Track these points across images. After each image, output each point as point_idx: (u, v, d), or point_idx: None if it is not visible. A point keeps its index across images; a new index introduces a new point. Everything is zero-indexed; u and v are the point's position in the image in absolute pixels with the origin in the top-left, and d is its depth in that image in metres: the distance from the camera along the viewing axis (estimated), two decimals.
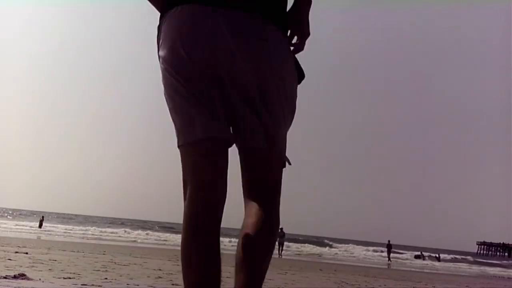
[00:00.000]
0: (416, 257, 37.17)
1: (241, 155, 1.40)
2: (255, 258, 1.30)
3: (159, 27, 1.34)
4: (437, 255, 38.40)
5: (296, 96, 1.43)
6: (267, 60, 1.30)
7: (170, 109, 1.34)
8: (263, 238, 1.32)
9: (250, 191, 1.39)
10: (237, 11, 1.27)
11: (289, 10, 1.44)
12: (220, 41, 1.26)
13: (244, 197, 1.41)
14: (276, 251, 23.44)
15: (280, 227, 21.46)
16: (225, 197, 1.32)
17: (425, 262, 33.18)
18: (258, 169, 1.39)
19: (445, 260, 37.28)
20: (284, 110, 1.37)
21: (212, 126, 1.27)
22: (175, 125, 1.34)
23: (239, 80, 1.29)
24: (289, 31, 1.44)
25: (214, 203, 1.29)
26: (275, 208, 1.39)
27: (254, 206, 1.36)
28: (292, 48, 1.45)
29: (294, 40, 1.48)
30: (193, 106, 1.27)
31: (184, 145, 1.31)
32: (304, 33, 1.48)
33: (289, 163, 1.49)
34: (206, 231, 1.26)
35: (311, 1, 1.48)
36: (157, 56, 1.36)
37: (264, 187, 1.39)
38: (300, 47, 1.48)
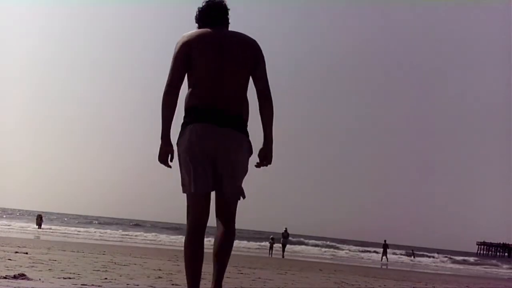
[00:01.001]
0: (408, 254, 37.28)
1: (216, 197, 2.71)
2: (223, 257, 2.63)
3: (183, 131, 2.67)
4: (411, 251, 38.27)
5: (248, 165, 2.75)
6: (236, 152, 2.65)
7: (181, 169, 2.69)
8: (227, 246, 2.65)
9: (219, 216, 2.70)
10: (224, 127, 2.62)
11: (261, 149, 2.79)
12: (215, 141, 2.60)
13: (216, 217, 2.70)
14: (274, 252, 23.44)
15: (285, 227, 21.05)
16: (208, 219, 2.70)
17: (417, 259, 33.28)
18: (225, 206, 2.70)
19: (451, 260, 37.33)
20: (241, 176, 2.72)
21: (205, 184, 2.62)
22: (183, 179, 2.68)
23: (223, 160, 2.63)
24: (262, 157, 2.80)
25: (204, 224, 2.69)
26: (233, 227, 2.70)
27: (221, 226, 2.67)
28: (260, 164, 2.82)
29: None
30: (198, 170, 2.62)
31: (189, 193, 2.67)
32: (269, 161, 2.81)
33: (244, 197, 2.74)
34: (200, 239, 2.67)
35: (272, 141, 2.79)
36: (177, 143, 2.69)
37: (226, 216, 2.70)
38: (267, 165, 2.83)
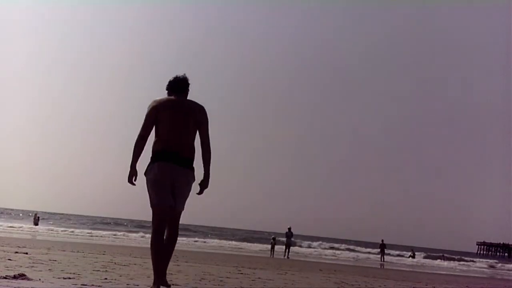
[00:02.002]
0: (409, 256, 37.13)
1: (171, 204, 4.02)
2: (170, 250, 4.09)
3: (148, 167, 4.04)
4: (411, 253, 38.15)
5: (191, 189, 4.09)
6: (186, 182, 4.04)
7: (149, 191, 4.04)
8: (172, 242, 4.09)
9: (170, 222, 4.05)
10: (178, 165, 3.96)
11: (201, 180, 4.15)
12: (172, 174, 3.96)
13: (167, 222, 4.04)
14: (279, 253, 23.30)
15: (288, 227, 20.72)
16: (166, 225, 4.04)
17: (415, 260, 33.18)
18: (175, 216, 4.06)
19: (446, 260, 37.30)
20: (187, 197, 4.11)
21: (169, 200, 3.98)
22: (151, 198, 4.04)
23: (177, 188, 4.00)
24: (201, 186, 4.18)
25: (164, 229, 4.02)
26: (177, 229, 4.11)
27: (170, 228, 4.06)
28: (200, 187, 4.18)
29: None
30: (161, 191, 3.97)
31: (155, 205, 4.00)
32: (206, 187, 4.19)
33: (183, 210, 4.13)
34: (161, 238, 4.00)
35: (209, 175, 4.13)
36: (144, 173, 4.03)
37: (175, 223, 4.08)
38: (203, 191, 4.19)
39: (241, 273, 7.20)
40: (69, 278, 4.47)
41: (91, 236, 28.99)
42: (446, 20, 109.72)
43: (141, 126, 4.07)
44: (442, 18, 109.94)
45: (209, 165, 4.17)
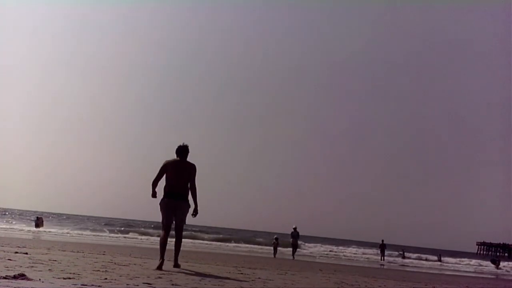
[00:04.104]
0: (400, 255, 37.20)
1: (174, 223, 6.89)
2: (178, 246, 7.02)
3: (161, 200, 6.88)
4: (401, 252, 38.15)
5: (187, 212, 6.90)
6: (183, 209, 6.85)
7: (161, 213, 6.89)
8: (178, 241, 7.00)
9: (176, 231, 6.96)
10: (178, 200, 6.81)
11: (193, 209, 6.91)
12: (174, 205, 6.82)
13: (174, 230, 6.95)
14: (286, 253, 23.21)
15: (294, 226, 20.44)
16: (169, 233, 6.91)
17: (406, 260, 33.18)
18: (178, 227, 6.93)
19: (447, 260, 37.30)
20: (185, 217, 6.92)
21: (170, 220, 6.87)
22: (161, 215, 6.90)
23: (178, 213, 6.85)
24: (193, 212, 6.93)
25: (167, 236, 6.86)
26: (181, 235, 7.01)
27: (176, 233, 6.97)
28: (193, 212, 6.94)
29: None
30: (166, 214, 6.85)
31: (163, 221, 6.89)
32: (197, 213, 6.94)
33: (185, 223, 6.98)
34: (166, 238, 6.85)
35: (197, 208, 6.92)
36: (159, 203, 6.89)
37: (178, 232, 6.96)
38: (195, 215, 6.97)
39: (241, 273, 7.21)
40: (69, 278, 4.47)
41: (91, 236, 28.97)
42: (446, 20, 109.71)
43: (157, 173, 6.87)
44: (442, 18, 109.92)
45: (196, 199, 6.92)
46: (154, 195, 6.88)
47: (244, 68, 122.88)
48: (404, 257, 35.78)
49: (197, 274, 6.43)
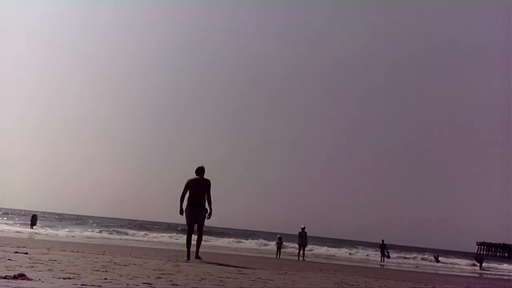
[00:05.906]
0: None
1: (197, 225, 9.78)
2: (199, 242, 9.89)
3: (186, 208, 9.64)
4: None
5: (206, 216, 9.69)
6: (202, 215, 9.62)
7: (186, 218, 9.67)
8: (199, 237, 9.86)
9: (198, 229, 9.79)
10: (198, 208, 9.58)
11: (208, 213, 9.67)
12: (195, 212, 9.58)
13: (197, 230, 9.86)
14: (291, 254, 23.20)
15: (302, 226, 20.42)
16: (193, 232, 9.91)
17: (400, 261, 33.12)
18: (199, 228, 9.75)
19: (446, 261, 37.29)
20: (204, 220, 9.69)
21: (193, 222, 9.69)
22: (186, 220, 9.67)
23: (198, 218, 9.65)
24: (208, 215, 9.71)
25: (191, 235, 9.92)
26: (201, 234, 9.88)
27: (198, 231, 9.79)
28: (208, 215, 9.70)
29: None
30: (189, 220, 9.68)
31: (187, 224, 9.75)
32: (211, 216, 9.67)
33: (204, 225, 9.83)
34: (190, 235, 9.93)
35: (212, 212, 9.68)
36: (184, 209, 9.64)
37: (199, 231, 9.80)
38: (210, 217, 9.73)
39: (241, 273, 7.20)
40: (69, 278, 4.46)
41: (91, 236, 28.96)
42: (446, 20, 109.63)
43: (182, 190, 9.52)
44: (442, 18, 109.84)
45: (211, 206, 9.51)
46: (181, 212, 9.42)
47: (244, 68, 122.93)
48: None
49: (197, 274, 6.43)
